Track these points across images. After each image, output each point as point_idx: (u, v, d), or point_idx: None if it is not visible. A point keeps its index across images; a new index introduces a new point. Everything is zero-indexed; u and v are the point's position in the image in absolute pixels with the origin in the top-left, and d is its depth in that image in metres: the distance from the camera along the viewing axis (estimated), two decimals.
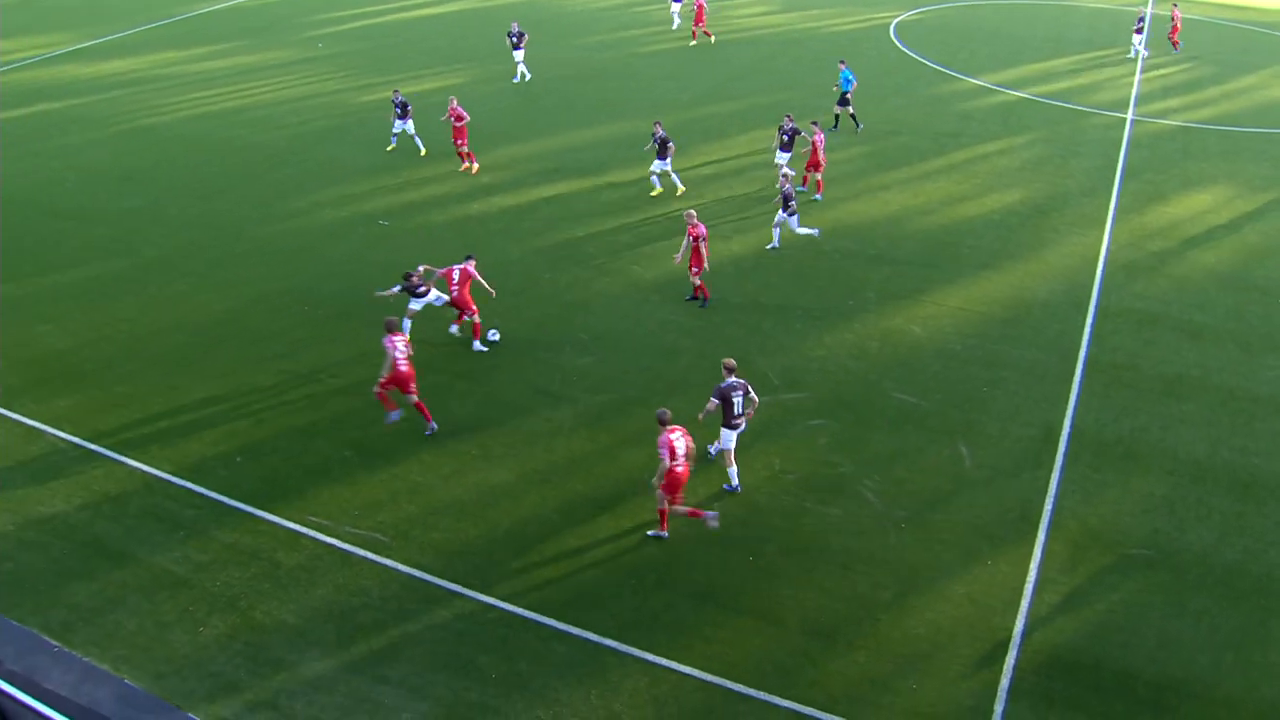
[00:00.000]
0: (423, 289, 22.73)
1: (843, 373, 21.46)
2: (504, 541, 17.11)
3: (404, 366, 19.34)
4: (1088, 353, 22.21)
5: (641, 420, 19.89)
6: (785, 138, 29.52)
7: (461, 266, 22.44)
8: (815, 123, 29.89)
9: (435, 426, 19.75)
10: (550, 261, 25.68)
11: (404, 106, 33.37)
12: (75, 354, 23.26)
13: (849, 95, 34.45)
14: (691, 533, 17.16)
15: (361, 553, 16.91)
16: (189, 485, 18.64)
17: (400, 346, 19.35)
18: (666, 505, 16.92)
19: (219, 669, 15.00)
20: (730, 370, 17.92)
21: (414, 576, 16.42)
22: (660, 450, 16.48)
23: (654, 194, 29.88)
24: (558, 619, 15.56)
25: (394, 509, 17.85)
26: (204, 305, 24.87)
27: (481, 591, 16.08)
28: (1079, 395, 20.75)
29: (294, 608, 15.94)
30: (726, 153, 32.72)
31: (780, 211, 25.98)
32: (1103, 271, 25.61)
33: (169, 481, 18.80)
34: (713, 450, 18.90)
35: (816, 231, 26.36)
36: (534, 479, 18.53)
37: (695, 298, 24.16)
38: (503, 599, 15.93)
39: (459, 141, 31.78)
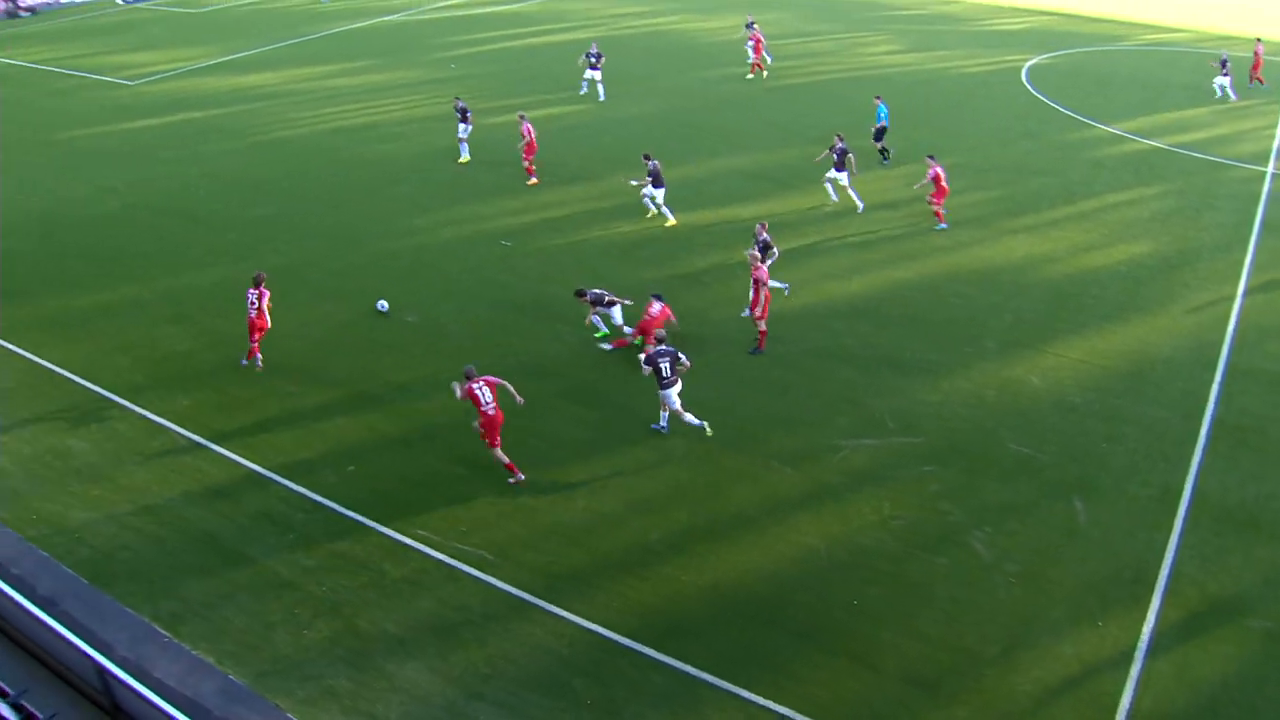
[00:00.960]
0: (610, 300, 23.70)
1: (957, 419, 21.21)
2: (607, 567, 17.25)
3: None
4: (1214, 413, 21.60)
5: (751, 455, 19.98)
6: (836, 157, 30.75)
7: (662, 306, 23.12)
8: (931, 156, 30.66)
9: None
10: (664, 291, 25.81)
11: (464, 112, 35.55)
12: (198, 355, 24.11)
13: (884, 128, 35.15)
14: (795, 571, 17.13)
15: (466, 569, 17.19)
16: (302, 490, 19.17)
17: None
18: (498, 452, 19.13)
19: (319, 672, 15.36)
20: (660, 340, 20.52)
21: (516, 596, 16.64)
22: (467, 397, 18.90)
23: (649, 215, 30.72)
24: (655, 648, 15.62)
25: (500, 528, 18.12)
26: (324, 314, 25.57)
27: (582, 616, 16.22)
28: (1202, 457, 20.18)
29: (397, 618, 16.27)
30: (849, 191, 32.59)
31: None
32: (1234, 330, 24.91)
33: (283, 485, 19.37)
34: (662, 427, 20.79)
35: (785, 288, 26.02)
36: (640, 508, 18.66)
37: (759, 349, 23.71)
38: (602, 624, 16.06)
39: (528, 156, 33.64)
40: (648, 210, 30.93)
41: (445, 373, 22.86)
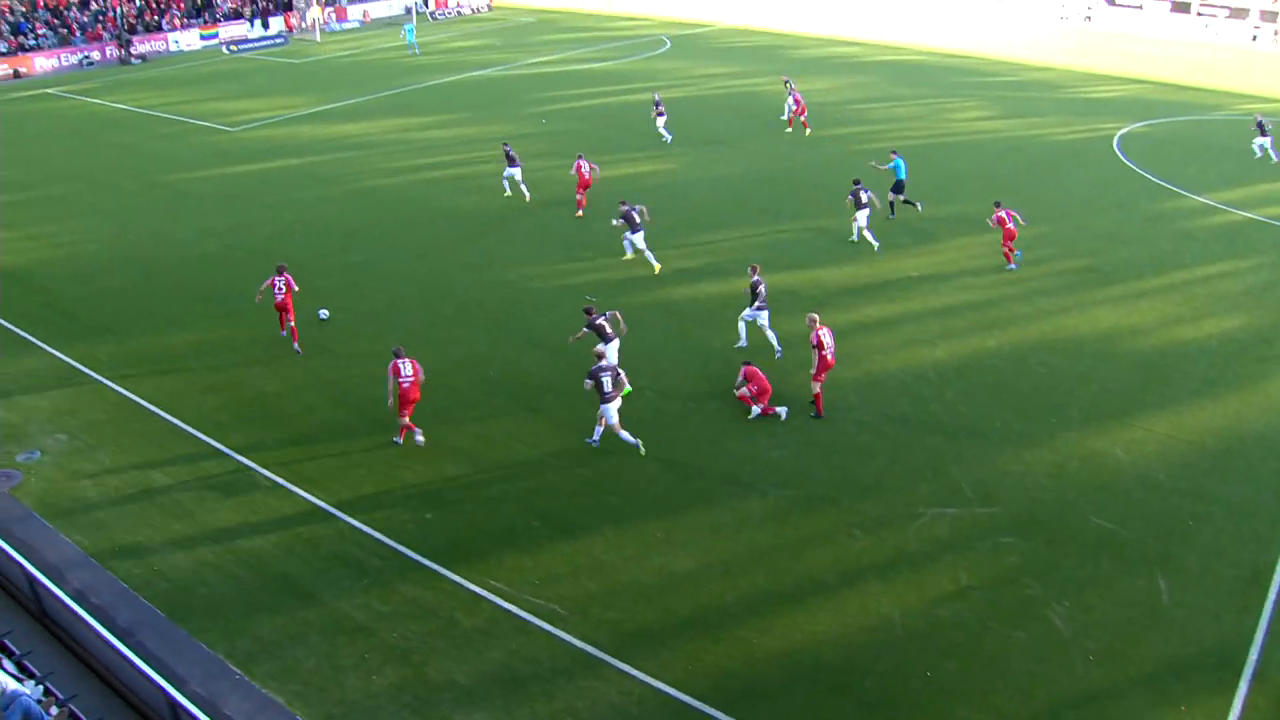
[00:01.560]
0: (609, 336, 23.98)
1: (1039, 490, 20.80)
2: (680, 627, 17.12)
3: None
4: None
5: (829, 519, 19.78)
6: (854, 200, 32.70)
7: (752, 371, 23.25)
8: (998, 203, 32.02)
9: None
10: (749, 351, 25.76)
11: (511, 157, 37.61)
12: (286, 397, 24.53)
13: (903, 183, 35.49)
14: (869, 639, 16.85)
15: (538, 622, 17.16)
16: (378, 535, 19.34)
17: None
18: (405, 419, 22.01)
19: (386, 719, 15.38)
20: (600, 356, 21.97)
21: (587, 652, 16.56)
22: (391, 375, 21.78)
23: (627, 258, 31.88)
24: (726, 711, 15.43)
25: (574, 583, 18.08)
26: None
27: (652, 675, 16.09)
28: None
29: (466, 668, 16.27)
30: (935, 257, 32.36)
31: (748, 308, 26.03)
32: None
33: (360, 529, 19.54)
34: (594, 441, 22.19)
35: (778, 349, 25.98)
36: (716, 568, 18.52)
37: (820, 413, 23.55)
38: (672, 684, 15.91)
39: (581, 191, 36.30)
40: (626, 253, 31.87)
41: (526, 425, 23.04)
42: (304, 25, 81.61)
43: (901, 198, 35.76)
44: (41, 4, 74.52)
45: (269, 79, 63.25)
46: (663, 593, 17.92)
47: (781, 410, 23.36)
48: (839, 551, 18.99)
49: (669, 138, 45.53)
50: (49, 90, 62.30)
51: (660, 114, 45.79)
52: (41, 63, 69.31)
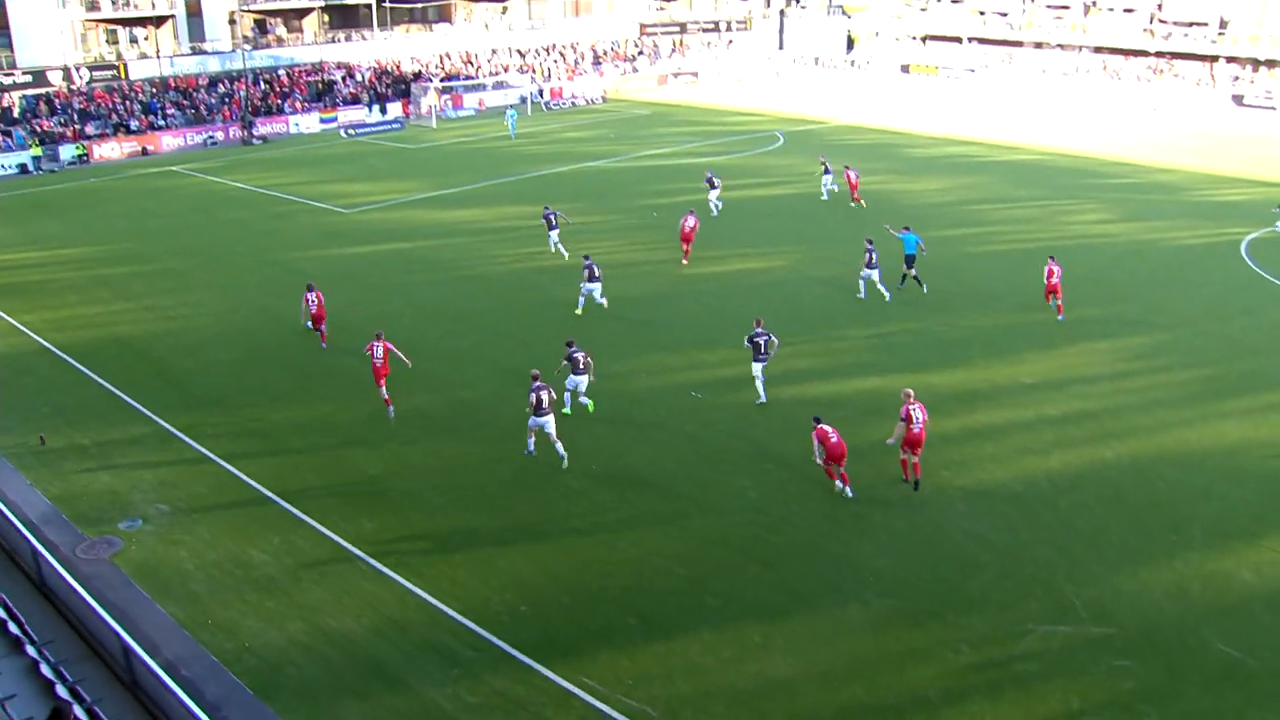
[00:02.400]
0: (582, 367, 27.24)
1: (1157, 611, 19.98)
2: None
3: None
4: None
5: (933, 632, 19.22)
6: (870, 257, 36.47)
7: (822, 434, 23.81)
8: (1052, 257, 35.86)
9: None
10: (856, 457, 25.37)
11: (548, 219, 41.95)
12: (386, 480, 24.75)
13: (912, 257, 37.55)
14: None
15: None
16: (471, 625, 19.25)
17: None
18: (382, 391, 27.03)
19: None
20: (536, 377, 24.88)
21: None
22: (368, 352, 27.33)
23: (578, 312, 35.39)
24: None
25: (668, 684, 17.77)
26: (513, 453, 25.95)
27: None
28: None
29: None
30: (1050, 363, 31.70)
31: (754, 364, 28.67)
32: None
33: (453, 618, 19.49)
34: (531, 452, 25.42)
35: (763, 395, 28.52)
36: (814, 677, 18.07)
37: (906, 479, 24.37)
38: None
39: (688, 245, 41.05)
40: (577, 307, 35.54)
41: (629, 524, 22.91)
42: (420, 112, 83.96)
43: (912, 272, 37.71)
44: (172, 85, 77.90)
45: (384, 163, 65.04)
46: (758, 699, 17.50)
47: (847, 489, 23.88)
48: (942, 667, 18.41)
49: (717, 208, 49.12)
50: (174, 168, 64.83)
51: (714, 188, 49.22)
52: (168, 141, 72.23)
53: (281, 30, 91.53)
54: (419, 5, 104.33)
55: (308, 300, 32.55)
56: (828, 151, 60.11)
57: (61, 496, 24.05)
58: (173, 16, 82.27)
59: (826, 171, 52.87)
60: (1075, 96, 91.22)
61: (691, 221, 41.59)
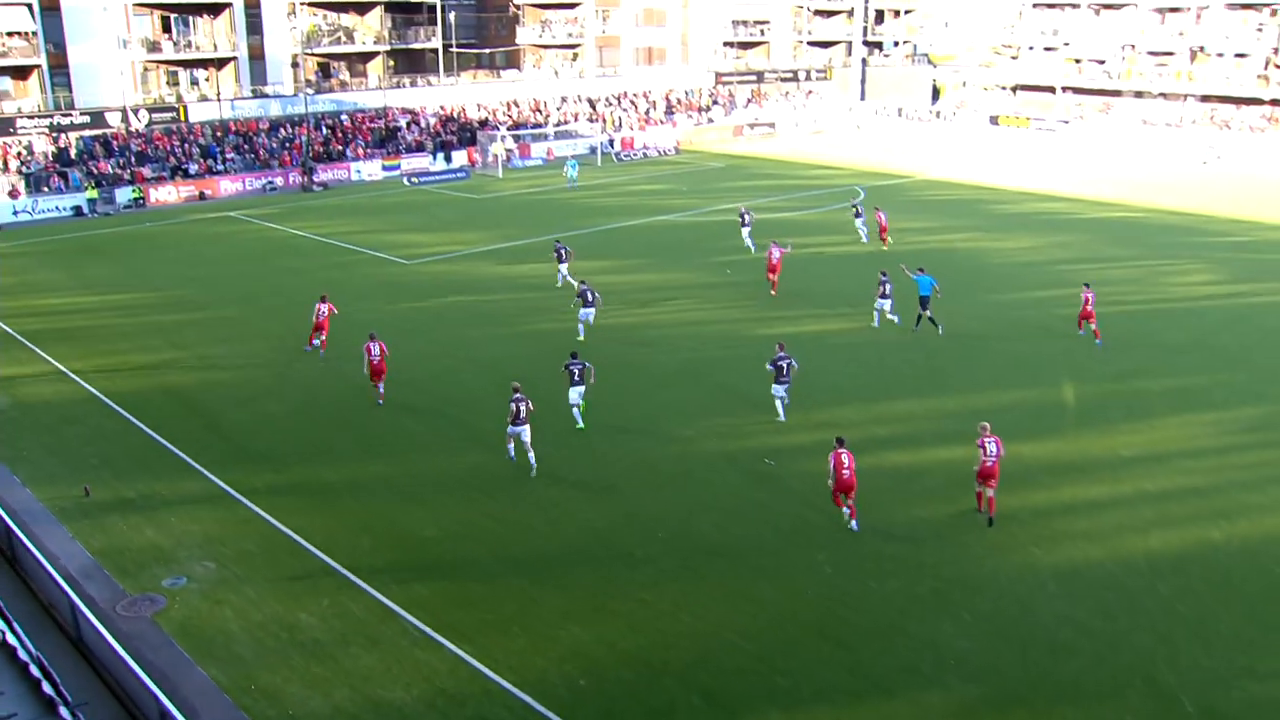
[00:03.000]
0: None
1: (1276, 712, 19.27)
2: None
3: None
4: None
5: None
6: (883, 287, 40.09)
7: (838, 460, 24.99)
8: (1086, 284, 39.44)
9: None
10: (935, 529, 25.01)
11: (559, 253, 45.72)
12: (442, 544, 24.76)
13: (925, 299, 39.84)
14: None
15: None
16: (528, 699, 19.05)
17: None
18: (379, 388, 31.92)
19: None
20: (516, 389, 28.37)
21: None
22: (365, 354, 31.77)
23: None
24: None
25: None
26: (575, 517, 25.90)
27: None
28: None
29: None
30: (1150, 435, 31.09)
31: (775, 386, 31.41)
32: None
33: (509, 691, 19.30)
34: (513, 457, 28.50)
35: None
36: None
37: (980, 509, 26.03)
38: None
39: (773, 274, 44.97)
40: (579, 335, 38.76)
41: (694, 592, 22.66)
42: (486, 161, 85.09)
43: (926, 313, 40.04)
44: (232, 129, 79.70)
45: (447, 213, 65.89)
46: None
47: (853, 522, 25.27)
48: None
49: (753, 246, 52.49)
50: (231, 213, 66.18)
51: (746, 224, 53.41)
52: (226, 186, 73.79)
53: (345, 74, 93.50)
54: (487, 51, 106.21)
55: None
56: (883, 202, 60.12)
57: (104, 550, 24.31)
58: (235, 59, 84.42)
59: (858, 215, 56.13)
60: (1179, 148, 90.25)
61: (778, 252, 45.23)
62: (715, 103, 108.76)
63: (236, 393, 34.37)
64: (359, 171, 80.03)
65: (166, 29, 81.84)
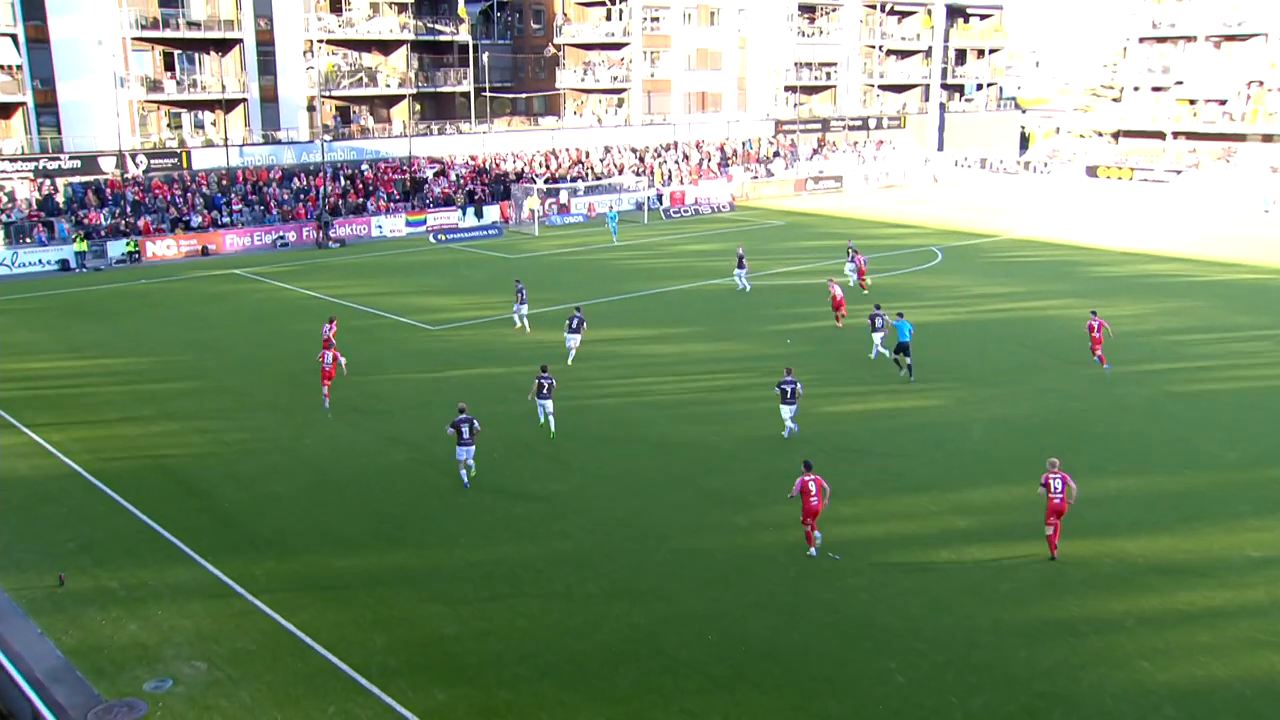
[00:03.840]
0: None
1: None
2: None
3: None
4: None
5: None
6: (870, 323, 46.05)
7: (804, 486, 27.75)
8: (1094, 312, 45.33)
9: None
10: (1029, 638, 24.36)
11: (521, 292, 50.91)
12: (462, 643, 24.38)
13: (903, 344, 43.23)
14: None
15: None
16: None
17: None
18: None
19: None
20: (462, 410, 32.50)
21: None
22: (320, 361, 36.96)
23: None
24: None
25: None
26: (614, 616, 25.45)
27: None
28: None
29: None
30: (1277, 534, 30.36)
31: (783, 406, 36.57)
32: None
33: None
34: (467, 484, 32.61)
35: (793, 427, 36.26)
36: None
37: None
38: None
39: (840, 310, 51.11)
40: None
41: (746, 703, 22.16)
42: (521, 216, 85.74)
43: (906, 359, 43.32)
44: (240, 178, 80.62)
45: (478, 273, 66.20)
46: None
47: (813, 547, 28.33)
48: None
49: (748, 288, 59.43)
50: (237, 271, 66.84)
51: (741, 268, 59.97)
52: (233, 240, 74.68)
53: (367, 119, 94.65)
54: (523, 96, 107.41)
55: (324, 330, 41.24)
56: (963, 264, 59.64)
57: (78, 649, 24.03)
58: (244, 101, 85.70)
59: (851, 260, 61.36)
60: None
61: (839, 292, 51.63)
62: (776, 154, 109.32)
63: (237, 470, 34.27)
64: (380, 227, 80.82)
65: (169, 67, 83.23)
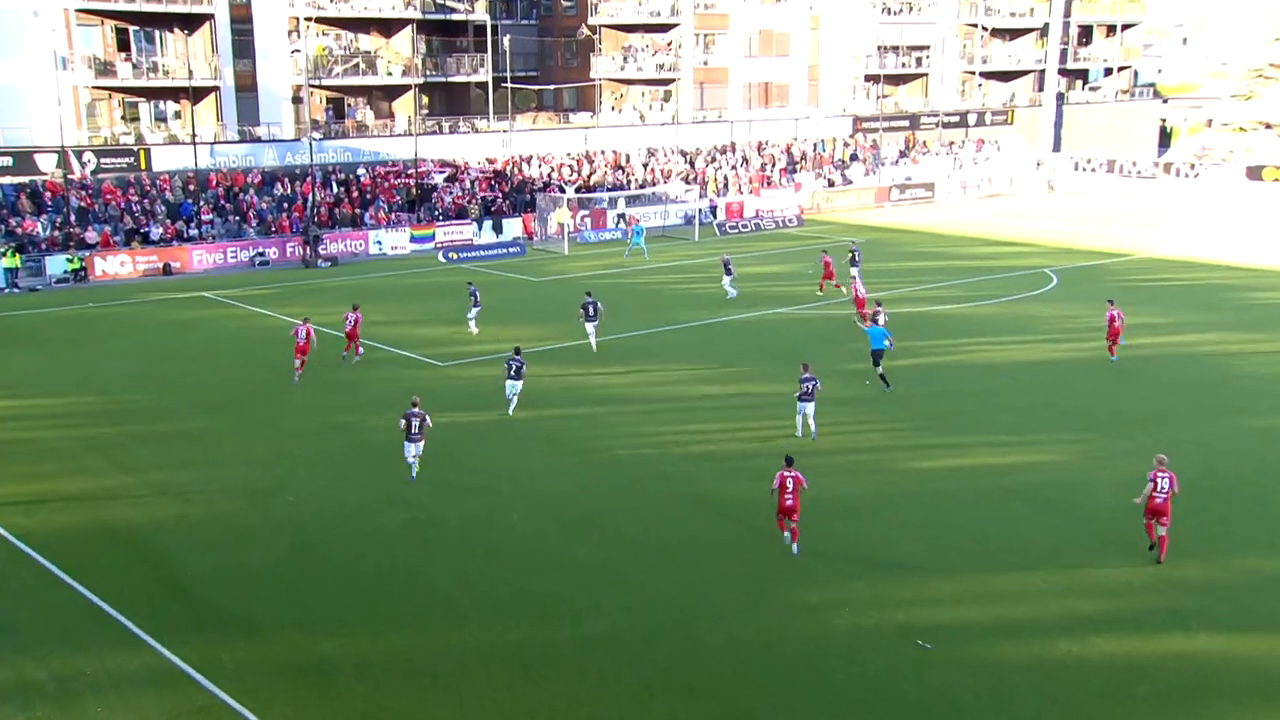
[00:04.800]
0: None
1: None
2: None
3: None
4: None
5: None
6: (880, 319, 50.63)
7: (782, 481, 31.45)
8: (1110, 301, 51.96)
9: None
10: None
11: (474, 295, 57.41)
12: None
13: (881, 353, 47.48)
14: None
15: None
16: None
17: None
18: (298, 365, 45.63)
19: None
20: (415, 403, 37.61)
21: None
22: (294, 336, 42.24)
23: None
24: None
25: None
26: (658, 715, 25.18)
27: None
28: None
29: None
30: None
31: (801, 403, 41.53)
32: None
33: None
34: (413, 478, 37.68)
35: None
36: None
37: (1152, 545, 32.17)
38: None
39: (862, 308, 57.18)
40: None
41: None
42: (547, 232, 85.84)
43: (877, 369, 47.86)
44: (212, 182, 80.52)
45: (496, 299, 65.96)
46: None
47: (794, 545, 32.22)
48: None
49: (733, 294, 65.06)
50: (206, 294, 67.20)
51: (729, 273, 65.69)
52: (201, 257, 75.06)
53: (364, 114, 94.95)
54: (551, 88, 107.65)
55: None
56: (1089, 288, 59.14)
57: None
58: (216, 89, 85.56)
59: (854, 264, 66.29)
60: None
61: (862, 289, 59.09)
62: (854, 157, 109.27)
63: (203, 534, 34.03)
64: (380, 243, 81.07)
65: (124, 46, 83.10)
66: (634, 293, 67.79)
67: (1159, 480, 31.27)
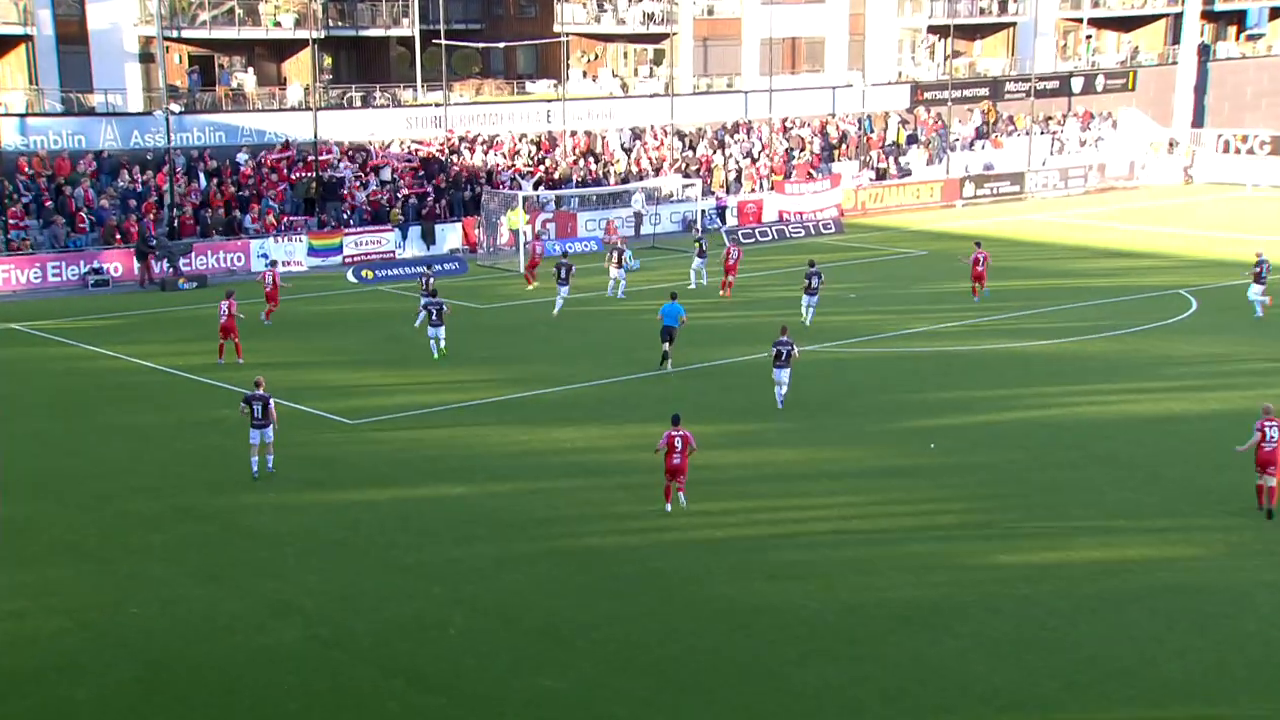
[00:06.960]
0: None
1: None
2: None
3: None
4: None
5: None
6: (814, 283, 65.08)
7: (670, 439, 35.46)
8: (978, 243, 58.63)
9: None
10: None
11: (436, 303, 61.56)
12: None
13: (673, 329, 56.91)
14: None
15: None
16: None
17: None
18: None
19: None
20: (258, 384, 43.59)
21: None
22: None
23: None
24: None
25: None
26: None
27: None
28: None
29: None
30: None
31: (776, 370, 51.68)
32: None
33: None
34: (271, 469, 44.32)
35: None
36: None
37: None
38: None
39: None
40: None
41: None
42: (497, 242, 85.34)
43: (665, 346, 57.95)
44: (25, 170, 79.31)
45: (425, 335, 65.90)
46: None
47: (681, 497, 40.41)
48: None
49: (695, 284, 76.58)
50: (15, 325, 66.86)
51: (702, 257, 78.08)
52: (10, 274, 74.47)
53: (244, 79, 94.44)
54: (500, 46, 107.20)
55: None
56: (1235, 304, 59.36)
57: None
58: (27, 40, 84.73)
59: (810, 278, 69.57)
60: None
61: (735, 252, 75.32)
62: (912, 139, 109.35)
63: (18, 661, 33.69)
64: (265, 256, 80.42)
65: None
66: (607, 323, 68.06)
67: (1268, 430, 37.76)
